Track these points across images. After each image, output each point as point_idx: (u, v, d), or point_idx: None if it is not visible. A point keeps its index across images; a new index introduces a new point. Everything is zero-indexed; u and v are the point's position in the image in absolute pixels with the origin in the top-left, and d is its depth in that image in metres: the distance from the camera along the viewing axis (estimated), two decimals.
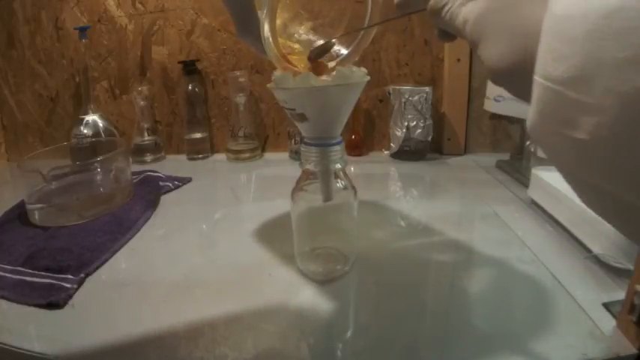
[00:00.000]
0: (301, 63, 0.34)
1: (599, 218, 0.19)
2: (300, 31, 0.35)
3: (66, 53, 0.87)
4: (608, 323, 0.32)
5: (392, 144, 0.78)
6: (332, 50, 0.35)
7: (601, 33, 0.14)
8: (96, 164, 0.57)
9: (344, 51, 0.36)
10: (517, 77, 0.19)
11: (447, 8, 0.24)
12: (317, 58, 0.34)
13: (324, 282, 0.39)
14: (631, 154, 0.14)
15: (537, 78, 0.17)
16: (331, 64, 0.35)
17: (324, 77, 0.34)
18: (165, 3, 0.82)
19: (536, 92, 0.17)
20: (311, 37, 0.36)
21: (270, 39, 0.30)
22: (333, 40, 0.35)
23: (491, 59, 0.21)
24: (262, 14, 0.29)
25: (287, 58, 0.33)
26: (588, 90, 0.14)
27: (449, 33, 0.25)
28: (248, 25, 0.32)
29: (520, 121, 0.72)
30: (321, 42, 0.35)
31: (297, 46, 0.35)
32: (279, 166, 0.80)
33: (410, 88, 0.73)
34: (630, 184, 0.15)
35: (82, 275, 0.41)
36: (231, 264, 0.44)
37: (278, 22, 0.32)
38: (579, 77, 0.15)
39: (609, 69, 0.14)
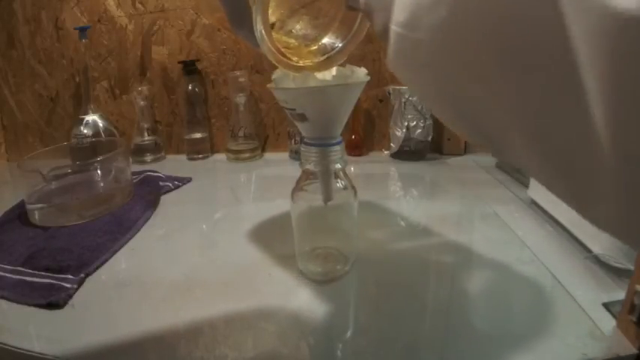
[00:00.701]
0: (295, 56, 0.34)
1: None
2: (297, 27, 0.35)
3: (66, 53, 0.87)
4: (608, 323, 0.32)
5: (392, 144, 0.78)
6: (326, 43, 0.35)
7: None
8: (96, 164, 0.57)
9: (338, 44, 0.35)
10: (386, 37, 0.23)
11: None
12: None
13: (324, 282, 0.39)
14: (449, 76, 0.19)
15: (392, 26, 0.20)
16: (332, 52, 0.35)
17: (323, 76, 0.34)
18: (165, 3, 0.82)
19: (390, 38, 0.21)
20: (308, 31, 0.35)
21: (263, 32, 0.30)
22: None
23: (375, 26, 0.23)
24: (255, 7, 0.29)
25: (281, 51, 0.32)
26: (416, 28, 0.18)
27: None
28: (241, 18, 0.32)
29: None
30: (317, 36, 0.34)
31: (292, 41, 0.35)
32: (279, 166, 0.80)
33: None
34: (455, 100, 0.20)
35: (82, 275, 0.41)
36: (231, 264, 0.44)
37: (274, 18, 0.32)
38: (412, 19, 0.19)
39: (426, 8, 0.18)
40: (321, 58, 0.34)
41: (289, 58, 0.33)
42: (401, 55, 0.21)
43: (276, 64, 0.32)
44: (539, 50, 0.14)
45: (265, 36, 0.30)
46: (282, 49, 0.33)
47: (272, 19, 0.32)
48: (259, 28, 0.29)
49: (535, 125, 0.16)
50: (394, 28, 0.20)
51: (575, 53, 0.13)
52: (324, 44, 0.35)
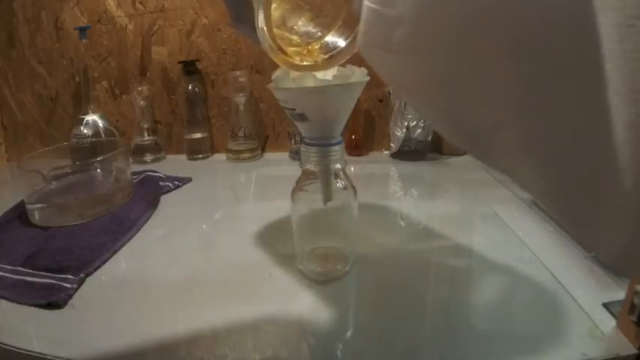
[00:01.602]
0: (297, 56, 0.34)
1: None
2: (300, 23, 0.35)
3: (66, 53, 0.87)
4: (608, 323, 0.32)
5: (392, 144, 0.78)
6: (328, 41, 0.35)
7: None
8: (96, 164, 0.57)
9: (341, 43, 0.35)
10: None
11: None
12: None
13: (324, 282, 0.39)
14: (432, 61, 0.16)
15: (365, 2, 0.18)
16: (335, 51, 0.35)
17: (323, 76, 0.34)
18: (165, 3, 0.82)
19: (363, 15, 0.18)
20: (310, 29, 0.35)
21: (265, 29, 0.30)
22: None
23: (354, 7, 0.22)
24: (257, 2, 0.29)
25: (282, 49, 0.32)
26: (393, 3, 0.16)
27: None
28: (243, 13, 0.32)
29: None
30: (319, 34, 0.34)
31: (295, 37, 0.35)
32: (279, 166, 0.80)
33: None
34: (438, 90, 0.17)
35: (82, 275, 0.41)
36: (231, 264, 0.44)
37: (277, 13, 0.32)
38: None
39: None
40: (323, 57, 0.34)
41: (290, 57, 0.33)
42: (373, 36, 0.18)
43: (277, 62, 0.32)
44: (563, 42, 0.12)
45: (267, 32, 0.30)
46: (284, 48, 0.33)
47: (275, 14, 0.31)
48: (261, 24, 0.29)
49: (539, 127, 0.14)
50: (366, 3, 0.17)
51: (602, 51, 0.11)
52: (327, 42, 0.35)
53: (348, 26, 0.34)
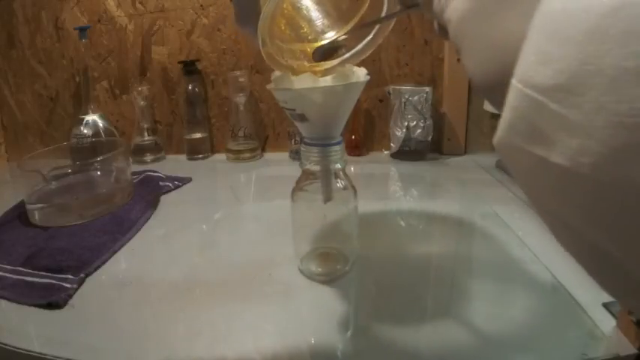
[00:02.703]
0: (294, 60, 0.34)
1: None
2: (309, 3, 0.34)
3: (66, 53, 0.87)
4: (608, 323, 0.32)
5: (392, 144, 0.78)
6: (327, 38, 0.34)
7: (603, 33, 0.11)
8: (96, 164, 0.57)
9: (347, 54, 0.35)
10: (497, 93, 0.16)
11: (436, 0, 0.20)
12: (321, 59, 0.34)
13: (324, 282, 0.39)
14: (616, 194, 0.11)
15: (515, 83, 0.14)
16: (336, 62, 0.35)
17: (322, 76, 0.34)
18: (165, 3, 0.82)
19: (510, 100, 0.14)
20: (317, 15, 0.35)
21: (266, 38, 0.29)
22: (341, 38, 0.34)
23: (470, 70, 0.18)
24: (265, 6, 0.29)
25: (275, 60, 0.32)
26: (576, 103, 0.12)
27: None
28: (249, 14, 0.32)
29: None
30: (327, 38, 0.34)
31: (303, 25, 0.34)
32: (279, 166, 0.80)
33: (410, 88, 0.73)
34: (610, 231, 0.12)
35: (82, 275, 0.41)
36: (231, 264, 0.44)
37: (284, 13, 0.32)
38: (568, 86, 0.12)
39: (607, 79, 0.11)
40: (324, 66, 0.34)
41: (288, 63, 0.33)
42: (526, 136, 0.13)
43: (273, 67, 0.32)
44: None
45: (267, 42, 0.29)
46: (282, 50, 0.33)
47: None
48: (261, 32, 0.29)
49: None
50: (520, 88, 0.13)
51: None
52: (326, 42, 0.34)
53: (357, 36, 0.34)
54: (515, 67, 0.14)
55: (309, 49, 0.34)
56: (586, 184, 0.12)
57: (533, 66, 0.13)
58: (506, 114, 0.14)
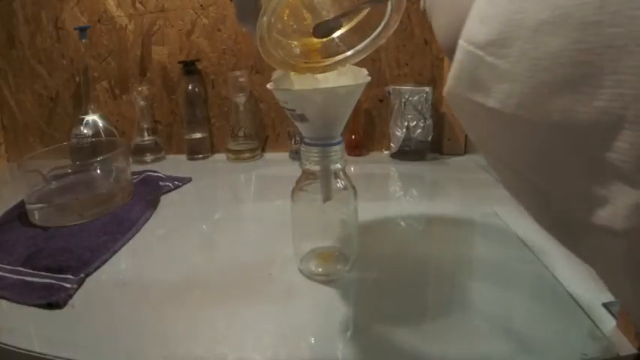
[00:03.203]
0: (292, 58, 0.33)
1: None
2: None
3: (66, 53, 0.87)
4: (608, 323, 0.32)
5: (392, 144, 0.78)
6: (331, 43, 0.34)
7: None
8: (96, 164, 0.57)
9: (349, 52, 0.35)
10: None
11: None
12: (323, 36, 0.33)
13: (324, 282, 0.39)
14: (536, 129, 0.13)
15: (461, 42, 0.16)
16: (336, 59, 0.34)
17: (322, 75, 0.34)
18: (165, 3, 0.82)
19: (457, 55, 0.16)
20: (325, 13, 0.34)
21: (264, 35, 0.29)
22: (341, 20, 0.33)
23: (436, 35, 0.20)
24: (266, 3, 0.28)
25: (273, 56, 0.32)
26: (505, 54, 0.14)
27: None
28: (250, 10, 0.32)
29: None
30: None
31: (308, 15, 0.34)
32: (279, 166, 0.80)
33: (410, 88, 0.73)
34: (535, 164, 0.14)
35: (82, 275, 0.41)
36: (231, 264, 0.44)
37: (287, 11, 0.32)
38: (499, 40, 0.14)
39: (527, 31, 0.13)
40: (325, 62, 0.34)
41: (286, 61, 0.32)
42: (468, 85, 0.16)
43: (271, 64, 0.32)
44: None
45: (266, 40, 0.29)
46: (281, 45, 0.32)
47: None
48: (259, 29, 0.29)
49: None
50: (465, 45, 0.15)
51: None
52: (329, 44, 0.34)
53: (356, 35, 0.34)
54: (463, 29, 0.16)
55: (308, 44, 0.34)
56: (513, 123, 0.14)
57: (475, 25, 0.15)
58: (454, 68, 0.16)
